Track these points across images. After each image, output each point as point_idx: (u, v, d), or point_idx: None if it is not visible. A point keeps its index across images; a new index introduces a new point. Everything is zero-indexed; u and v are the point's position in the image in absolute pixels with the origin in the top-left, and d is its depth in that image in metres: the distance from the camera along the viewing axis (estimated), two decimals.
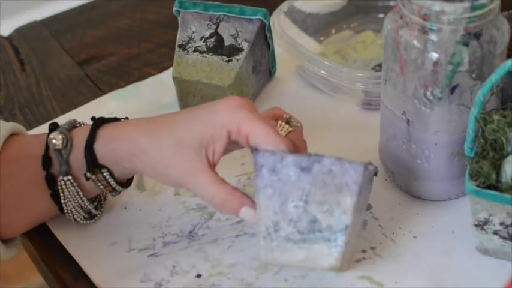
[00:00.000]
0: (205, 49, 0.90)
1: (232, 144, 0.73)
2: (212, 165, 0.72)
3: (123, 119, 0.77)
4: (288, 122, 0.76)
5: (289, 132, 0.75)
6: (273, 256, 0.70)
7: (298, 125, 0.76)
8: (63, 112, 0.95)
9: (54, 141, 0.74)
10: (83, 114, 0.93)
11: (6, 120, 0.91)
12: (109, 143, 0.74)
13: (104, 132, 0.74)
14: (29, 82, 1.01)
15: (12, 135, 0.78)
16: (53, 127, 0.76)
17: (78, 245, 0.79)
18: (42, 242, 0.80)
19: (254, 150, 0.70)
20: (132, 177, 0.79)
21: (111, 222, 0.81)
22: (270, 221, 0.70)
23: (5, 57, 1.06)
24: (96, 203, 0.79)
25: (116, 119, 0.76)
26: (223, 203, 0.71)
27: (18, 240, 0.80)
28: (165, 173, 0.72)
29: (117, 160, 0.74)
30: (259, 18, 0.89)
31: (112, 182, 0.75)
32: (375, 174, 0.71)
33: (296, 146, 0.73)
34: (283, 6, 0.98)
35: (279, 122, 0.76)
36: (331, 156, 0.69)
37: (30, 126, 0.93)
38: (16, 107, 0.97)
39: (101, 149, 0.74)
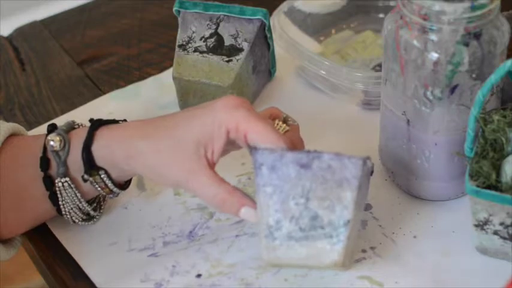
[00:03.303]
0: (205, 49, 0.90)
1: (230, 145, 0.73)
2: (211, 165, 0.72)
3: (122, 121, 0.77)
4: (285, 121, 0.76)
5: (287, 131, 0.75)
6: (276, 255, 0.70)
7: (296, 123, 0.76)
8: (63, 112, 0.95)
9: (51, 142, 0.74)
10: (83, 114, 0.94)
11: (6, 120, 0.91)
12: (107, 146, 0.73)
13: (101, 134, 0.74)
14: (29, 82, 1.01)
15: (12, 135, 0.78)
16: (51, 128, 0.76)
17: (78, 245, 0.79)
18: (42, 242, 0.80)
19: (253, 149, 0.70)
20: (130, 179, 0.79)
21: (111, 222, 0.81)
22: (271, 220, 0.70)
23: (5, 57, 1.06)
24: (95, 205, 0.79)
25: (114, 121, 0.76)
26: (224, 202, 0.71)
27: (17, 241, 0.80)
28: (164, 174, 0.72)
29: (115, 162, 0.73)
30: (259, 18, 0.89)
31: (110, 184, 0.75)
32: (371, 173, 0.71)
33: (294, 144, 0.73)
34: (283, 6, 0.98)
35: (276, 121, 0.76)
36: (330, 152, 0.69)
37: (30, 126, 0.93)
38: (16, 107, 0.97)
39: (99, 151, 0.74)
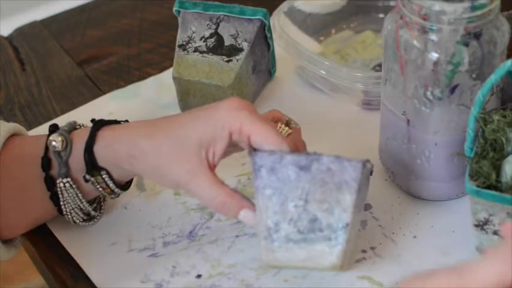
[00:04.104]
0: (205, 49, 0.90)
1: (231, 147, 0.73)
2: (212, 167, 0.72)
3: (123, 121, 0.77)
4: (287, 124, 0.76)
5: (289, 134, 0.75)
6: (274, 257, 0.70)
7: (298, 126, 0.76)
8: (63, 112, 0.95)
9: (53, 143, 0.74)
10: (83, 114, 0.94)
11: (6, 120, 0.91)
12: (109, 145, 0.73)
13: (103, 135, 0.74)
14: (29, 82, 1.01)
15: (13, 135, 0.78)
16: (53, 129, 0.76)
17: (78, 245, 0.79)
18: (42, 243, 0.80)
19: (251, 151, 0.70)
20: (131, 180, 0.79)
21: (111, 223, 0.81)
22: (270, 222, 0.70)
23: (5, 57, 1.06)
24: (95, 205, 0.79)
25: (116, 122, 0.76)
26: (223, 205, 0.71)
27: (18, 241, 0.80)
28: (165, 174, 0.72)
29: (117, 162, 0.74)
30: (259, 18, 0.89)
31: (111, 185, 0.75)
32: (371, 173, 0.71)
33: (296, 147, 0.73)
34: (283, 6, 0.98)
35: (279, 124, 0.76)
36: (330, 155, 0.69)
37: (30, 126, 0.93)
38: (16, 107, 0.97)
39: (101, 151, 0.74)
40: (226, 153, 0.74)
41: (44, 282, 0.84)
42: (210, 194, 0.71)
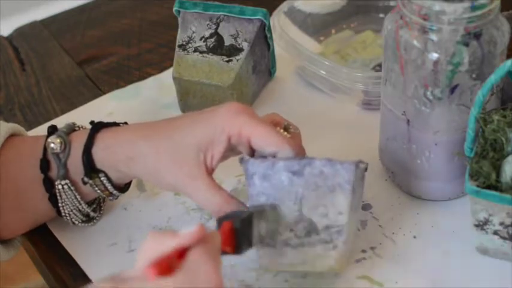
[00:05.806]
0: (205, 49, 0.90)
1: (230, 151, 0.73)
2: (210, 171, 0.72)
3: (122, 123, 0.77)
4: (286, 128, 0.75)
5: None
6: (272, 261, 0.70)
7: (297, 131, 0.76)
8: (63, 112, 0.95)
9: (52, 145, 0.74)
10: (83, 114, 0.94)
11: (6, 120, 0.91)
12: (107, 148, 0.73)
13: (102, 137, 0.74)
14: (29, 82, 1.01)
15: (12, 135, 0.78)
16: (52, 130, 0.76)
17: (78, 245, 0.79)
18: (42, 243, 0.80)
19: (243, 159, 0.70)
20: (130, 182, 0.79)
21: (111, 223, 0.81)
22: None
23: (5, 57, 1.06)
24: (95, 206, 0.79)
25: (114, 124, 0.76)
26: (219, 210, 0.71)
27: (17, 241, 0.80)
28: (163, 177, 0.72)
29: (115, 164, 0.73)
30: (259, 18, 0.89)
31: (109, 187, 0.75)
32: (365, 170, 0.71)
33: (295, 152, 0.73)
34: (283, 6, 0.98)
35: (277, 128, 0.75)
36: (322, 158, 0.69)
37: (30, 126, 0.93)
38: (16, 107, 0.97)
39: (99, 153, 0.73)
40: (224, 157, 0.73)
41: (44, 282, 0.84)
42: (207, 198, 0.71)
